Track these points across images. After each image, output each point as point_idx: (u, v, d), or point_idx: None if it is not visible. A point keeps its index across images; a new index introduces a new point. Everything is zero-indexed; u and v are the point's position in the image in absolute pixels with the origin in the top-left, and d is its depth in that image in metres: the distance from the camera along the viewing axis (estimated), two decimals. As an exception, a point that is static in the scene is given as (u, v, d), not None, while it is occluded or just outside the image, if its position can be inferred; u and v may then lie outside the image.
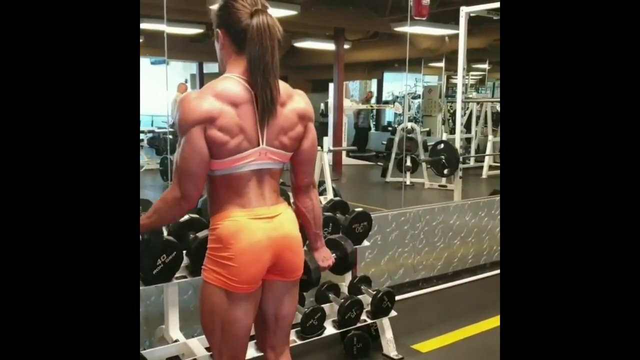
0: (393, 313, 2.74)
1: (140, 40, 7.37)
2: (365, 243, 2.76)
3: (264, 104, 1.49)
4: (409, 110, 13.25)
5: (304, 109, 1.62)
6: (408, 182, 7.92)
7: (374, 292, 2.69)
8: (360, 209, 2.70)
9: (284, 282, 1.63)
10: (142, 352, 2.10)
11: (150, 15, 7.39)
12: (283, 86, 1.56)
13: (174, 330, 2.31)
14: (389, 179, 8.17)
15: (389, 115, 14.73)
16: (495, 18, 5.32)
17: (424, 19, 3.93)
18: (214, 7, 1.58)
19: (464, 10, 5.18)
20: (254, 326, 1.71)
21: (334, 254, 2.01)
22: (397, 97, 14.54)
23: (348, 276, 2.82)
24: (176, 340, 2.26)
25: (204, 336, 2.08)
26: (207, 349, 2.11)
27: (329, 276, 2.84)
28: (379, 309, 2.66)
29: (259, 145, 1.52)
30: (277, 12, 7.59)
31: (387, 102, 14.35)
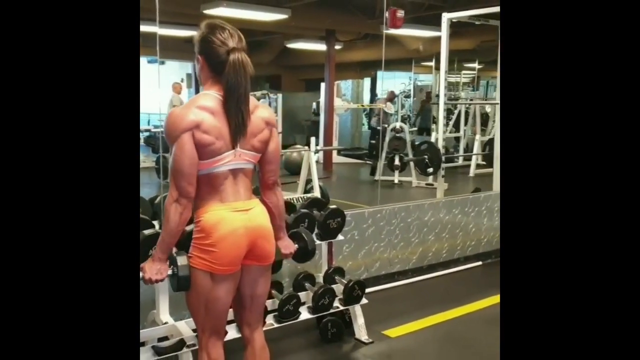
0: (364, 301, 3.01)
1: (136, 41, 7.56)
2: (340, 237, 3.03)
3: (236, 126, 1.77)
4: (402, 109, 13.43)
5: (268, 116, 1.91)
6: (396, 181, 8.17)
7: (346, 282, 2.96)
8: (334, 206, 2.97)
9: (258, 267, 1.91)
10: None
11: (144, 17, 7.66)
12: (251, 99, 1.84)
13: (164, 314, 2.58)
14: (378, 177, 8.39)
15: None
16: (477, 23, 5.59)
17: (398, 29, 4.18)
18: (196, 34, 1.84)
19: (446, 17, 5.44)
20: (232, 307, 1.98)
21: (296, 244, 2.27)
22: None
23: (324, 267, 3.09)
24: (166, 323, 2.53)
25: (190, 319, 2.35)
26: (193, 330, 2.37)
27: (305, 267, 3.12)
28: (351, 297, 2.94)
29: (234, 148, 1.79)
30: (269, 16, 7.83)
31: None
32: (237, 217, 1.81)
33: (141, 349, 2.35)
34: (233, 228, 1.79)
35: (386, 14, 4.18)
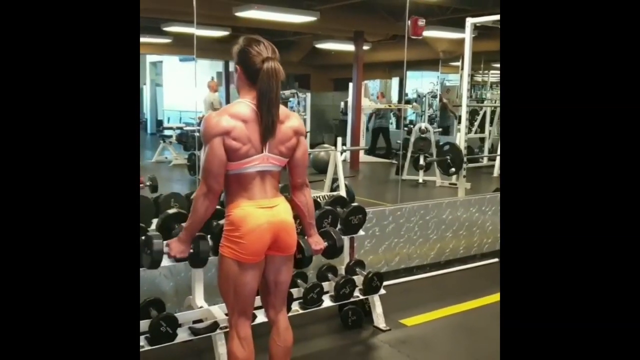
0: (382, 291, 3.24)
1: (170, 40, 7.92)
2: (361, 233, 3.26)
3: (266, 127, 2.01)
4: (429, 109, 13.50)
5: (298, 126, 2.14)
6: (421, 180, 8.33)
7: (366, 273, 3.20)
8: (356, 204, 3.20)
9: (281, 257, 2.16)
10: (175, 314, 2.65)
11: (182, 19, 7.99)
12: (283, 109, 2.08)
13: (199, 299, 2.86)
14: (404, 177, 8.53)
15: (409, 114, 15.03)
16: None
17: (420, 37, 4.38)
18: (235, 47, 2.10)
19: (469, 21, 5.60)
20: (259, 292, 2.23)
21: (326, 242, 2.52)
22: (419, 96, 14.80)
23: (345, 260, 3.33)
24: (201, 307, 2.81)
25: (222, 304, 2.61)
26: (226, 314, 2.63)
27: (329, 260, 3.36)
28: (370, 287, 3.18)
29: (262, 152, 2.04)
30: (298, 18, 8.07)
31: (408, 102, 14.68)
32: (263, 213, 2.05)
33: (179, 329, 2.62)
34: (259, 223, 2.04)
35: (408, 23, 4.38)
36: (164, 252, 2.16)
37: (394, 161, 9.61)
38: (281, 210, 2.12)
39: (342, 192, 6.02)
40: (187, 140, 8.71)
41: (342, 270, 3.31)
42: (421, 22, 4.27)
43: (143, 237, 2.37)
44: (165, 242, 2.33)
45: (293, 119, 2.14)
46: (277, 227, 2.09)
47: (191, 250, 2.14)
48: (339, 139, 6.37)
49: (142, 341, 2.52)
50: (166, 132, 9.56)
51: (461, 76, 12.49)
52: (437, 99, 13.05)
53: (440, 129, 11.17)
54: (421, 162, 8.13)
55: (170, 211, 2.69)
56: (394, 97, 14.97)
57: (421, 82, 14.95)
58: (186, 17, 5.99)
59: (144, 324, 2.56)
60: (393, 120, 14.55)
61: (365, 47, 10.71)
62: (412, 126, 9.51)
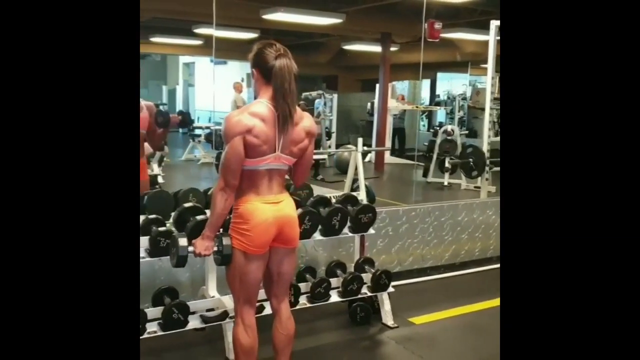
0: (390, 289, 3.32)
1: (201, 42, 8.09)
2: (371, 231, 3.34)
3: (283, 117, 2.12)
4: (458, 112, 13.44)
5: (309, 127, 2.25)
6: (446, 183, 8.33)
7: (374, 271, 3.27)
8: (366, 202, 3.28)
9: (284, 249, 2.27)
10: (188, 303, 2.78)
11: (210, 22, 8.18)
12: (298, 111, 2.19)
13: (212, 289, 3.00)
14: (429, 179, 8.55)
15: (440, 116, 14.99)
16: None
17: (436, 40, 4.42)
18: (250, 54, 2.22)
19: (494, 24, 5.61)
20: (263, 282, 2.34)
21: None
22: (448, 98, 14.73)
23: (355, 257, 3.42)
24: (213, 296, 2.94)
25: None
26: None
27: (339, 257, 3.45)
28: (378, 284, 3.25)
29: (275, 151, 2.15)
30: (324, 20, 8.15)
31: (438, 103, 14.64)
32: (269, 208, 2.17)
33: (190, 317, 2.76)
34: (265, 217, 2.15)
35: (425, 26, 4.43)
36: (190, 251, 2.25)
37: (419, 163, 9.60)
38: (286, 206, 2.23)
39: (362, 193, 6.10)
40: (216, 140, 8.88)
41: (351, 267, 3.39)
42: (438, 25, 4.31)
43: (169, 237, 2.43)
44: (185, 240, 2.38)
45: (306, 120, 2.24)
46: (282, 221, 2.20)
47: (215, 249, 2.23)
48: (360, 140, 6.45)
49: (155, 327, 2.66)
50: (196, 131, 9.79)
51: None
52: (467, 101, 12.98)
53: (467, 132, 11.11)
54: (446, 164, 8.12)
55: (187, 205, 2.82)
56: (426, 98, 14.94)
57: (450, 84, 14.89)
58: (216, 19, 6.16)
59: (157, 311, 2.70)
60: (425, 122, 14.57)
61: (393, 49, 10.74)
62: (438, 128, 9.50)
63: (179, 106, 15.64)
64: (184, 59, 15.43)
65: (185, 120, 4.83)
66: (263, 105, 2.13)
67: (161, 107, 3.79)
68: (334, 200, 3.33)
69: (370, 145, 10.50)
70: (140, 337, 2.59)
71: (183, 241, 2.27)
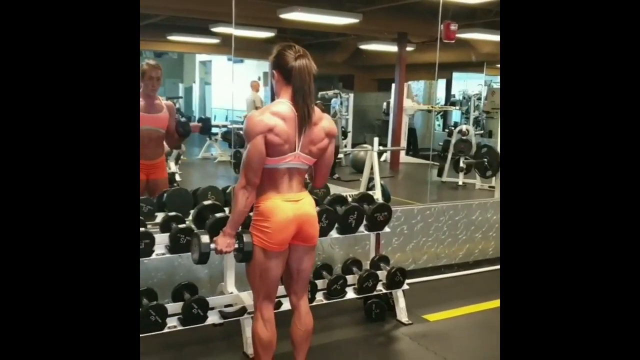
0: (405, 286, 3.36)
1: (218, 41, 8.18)
2: (386, 229, 3.39)
3: (303, 117, 2.18)
4: (474, 112, 13.41)
5: (329, 128, 2.30)
6: (460, 183, 8.33)
7: (389, 268, 3.33)
8: (381, 201, 3.33)
9: (303, 246, 2.32)
10: (208, 299, 2.85)
11: (227, 21, 8.27)
12: (317, 111, 2.25)
13: (230, 285, 3.07)
14: (444, 179, 8.55)
15: (455, 115, 14.96)
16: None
17: (452, 41, 4.45)
18: (270, 56, 2.27)
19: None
20: (283, 279, 2.40)
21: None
22: (464, 98, 14.69)
23: (371, 255, 3.47)
24: (231, 293, 3.01)
25: (250, 291, 2.79)
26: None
27: (355, 255, 3.50)
28: (393, 282, 3.30)
29: (295, 151, 2.20)
30: (341, 20, 8.19)
31: (454, 103, 14.63)
32: (289, 206, 2.22)
33: (210, 312, 2.83)
34: (285, 215, 2.21)
35: (441, 27, 4.47)
36: (211, 248, 2.32)
37: (434, 163, 9.60)
38: (306, 204, 2.29)
39: (377, 192, 6.15)
40: (232, 139, 8.92)
41: (367, 265, 3.45)
42: (453, 26, 4.34)
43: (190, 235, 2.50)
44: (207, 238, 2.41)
45: (325, 120, 2.29)
46: (302, 219, 2.25)
47: (236, 246, 2.29)
48: (376, 139, 6.49)
49: (175, 321, 2.73)
50: (212, 130, 9.86)
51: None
52: (482, 101, 12.94)
53: (482, 131, 11.07)
54: (461, 164, 8.13)
55: (206, 202, 2.90)
56: (441, 98, 14.92)
57: (465, 84, 14.85)
58: (232, 18, 6.24)
59: (177, 306, 2.77)
60: (441, 121, 14.56)
61: (409, 49, 10.74)
62: (453, 128, 9.49)
63: (196, 105, 15.79)
64: (200, 57, 15.56)
65: (206, 126, 4.94)
66: (284, 105, 2.19)
67: (177, 104, 3.87)
68: (350, 199, 3.39)
69: (385, 145, 10.52)
70: (161, 332, 2.67)
71: (205, 238, 2.34)
